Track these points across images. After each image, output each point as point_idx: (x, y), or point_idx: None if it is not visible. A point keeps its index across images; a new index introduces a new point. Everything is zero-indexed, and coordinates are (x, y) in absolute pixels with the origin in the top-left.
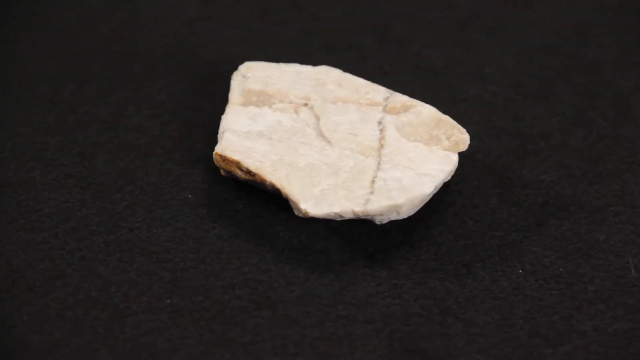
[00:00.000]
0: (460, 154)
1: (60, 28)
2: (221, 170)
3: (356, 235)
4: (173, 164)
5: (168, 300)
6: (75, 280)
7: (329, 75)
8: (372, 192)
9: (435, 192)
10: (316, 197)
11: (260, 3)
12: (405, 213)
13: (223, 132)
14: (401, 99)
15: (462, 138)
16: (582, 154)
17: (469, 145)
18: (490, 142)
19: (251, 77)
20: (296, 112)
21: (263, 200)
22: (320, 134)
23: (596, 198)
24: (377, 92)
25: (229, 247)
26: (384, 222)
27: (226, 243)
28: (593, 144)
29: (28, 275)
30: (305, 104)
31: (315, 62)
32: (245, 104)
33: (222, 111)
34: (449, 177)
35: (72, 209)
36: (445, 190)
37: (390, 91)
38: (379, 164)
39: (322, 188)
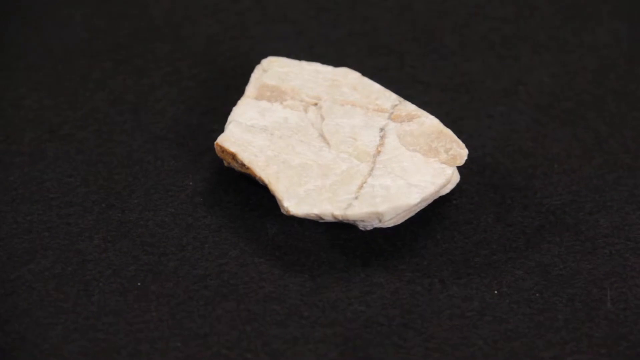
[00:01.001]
0: (468, 170)
1: (110, 4)
2: (224, 161)
3: (342, 240)
4: (183, 151)
5: (139, 284)
6: (54, 254)
7: (347, 78)
8: (356, 197)
9: (424, 204)
10: (300, 197)
11: (316, 1)
12: (390, 222)
13: (229, 123)
14: (408, 108)
15: (460, 153)
16: (592, 182)
17: (480, 161)
18: (503, 161)
19: (270, 72)
20: (305, 110)
21: (260, 194)
22: (322, 135)
23: (594, 227)
24: (387, 99)
25: (214, 237)
26: (368, 228)
27: (212, 233)
28: (605, 174)
29: (11, 243)
30: (315, 104)
31: (353, 63)
32: (258, 98)
33: None
34: (447, 191)
35: (72, 184)
36: (443, 204)
37: (401, 99)
38: (371, 170)
39: (308, 188)
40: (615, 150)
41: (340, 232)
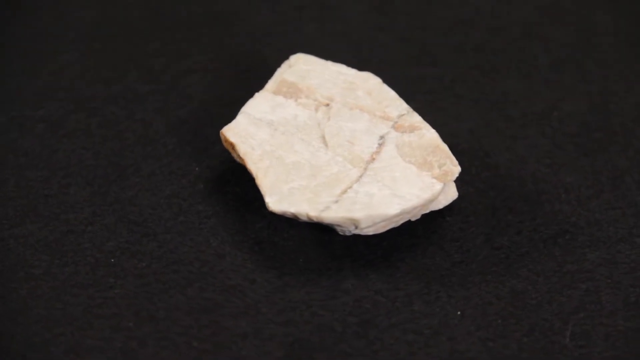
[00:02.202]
0: (474, 188)
1: None
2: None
3: (325, 242)
4: (200, 136)
5: (112, 260)
6: (42, 221)
7: (366, 82)
8: (336, 201)
9: (408, 216)
10: (282, 194)
11: (373, 4)
12: (369, 229)
13: (239, 114)
14: (413, 119)
15: (452, 169)
16: (593, 216)
17: (488, 181)
18: (511, 183)
19: (293, 68)
20: (316, 110)
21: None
22: (323, 135)
23: (579, 261)
24: (396, 108)
25: (201, 224)
26: (346, 233)
27: (201, 220)
28: (609, 209)
29: (5, 206)
30: (327, 104)
31: (396, 70)
32: (275, 93)
33: None
34: (440, 206)
35: (83, 156)
36: (436, 219)
37: (410, 109)
38: (361, 176)
39: (292, 186)
40: (627, 187)
41: (325, 234)
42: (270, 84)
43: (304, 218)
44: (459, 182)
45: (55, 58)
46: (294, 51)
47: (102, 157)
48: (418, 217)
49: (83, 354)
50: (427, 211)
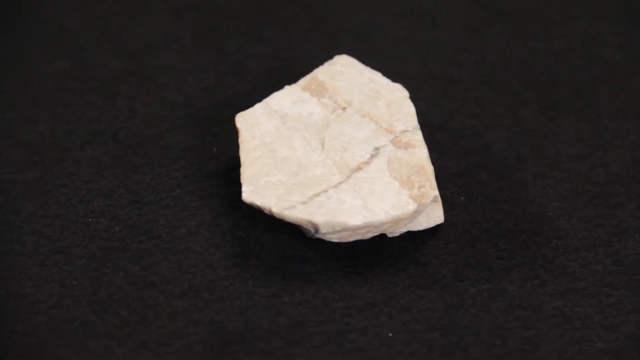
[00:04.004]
0: (469, 218)
1: None
2: None
3: (296, 243)
4: (221, 126)
5: (90, 219)
6: (34, 201)
7: (392, 94)
8: (304, 202)
9: (377, 231)
10: (257, 186)
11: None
12: (332, 236)
13: (260, 103)
14: (413, 137)
15: (428, 192)
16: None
17: (486, 214)
18: (507, 225)
19: (329, 67)
20: (333, 111)
21: None
22: (324, 137)
23: (551, 301)
24: (404, 123)
25: (190, 203)
26: (313, 236)
27: (192, 199)
28: (595, 264)
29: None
30: (344, 108)
31: (430, 85)
32: (304, 89)
33: None
34: (420, 227)
35: (91, 142)
36: (414, 240)
37: (416, 127)
38: (340, 182)
39: (270, 180)
40: (632, 232)
41: (303, 236)
42: (303, 80)
43: (268, 212)
44: (461, 208)
45: (86, 36)
46: (359, 53)
47: (110, 143)
48: (395, 234)
49: (16, 299)
50: (404, 230)
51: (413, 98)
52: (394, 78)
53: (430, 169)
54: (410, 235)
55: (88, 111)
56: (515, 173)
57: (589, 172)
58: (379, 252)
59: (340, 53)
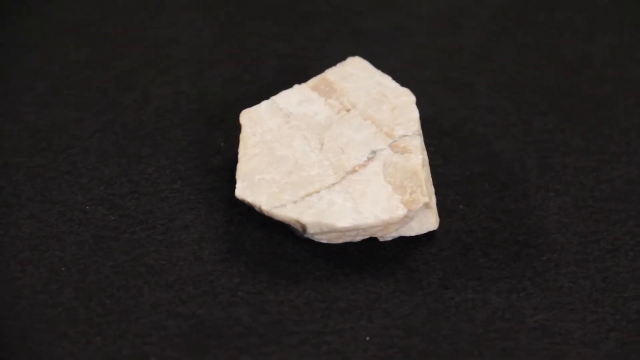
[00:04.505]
0: (466, 229)
1: None
2: None
3: (285, 242)
4: (231, 122)
5: (88, 207)
6: (35, 186)
7: (398, 98)
8: (295, 202)
9: (365, 234)
10: (251, 183)
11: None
12: (320, 237)
13: (267, 100)
14: (411, 143)
15: (418, 198)
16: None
17: (486, 230)
18: (502, 233)
19: (340, 68)
20: (337, 112)
21: None
22: (324, 138)
23: (534, 314)
24: (405, 128)
25: (189, 196)
26: (302, 236)
27: (191, 193)
28: (585, 280)
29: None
30: (348, 110)
31: (459, 102)
32: (313, 88)
33: None
34: (412, 233)
35: (100, 131)
36: (407, 245)
37: (416, 133)
38: (334, 184)
39: (264, 178)
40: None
41: (294, 236)
42: (313, 79)
43: (257, 209)
44: (458, 216)
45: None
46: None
47: (117, 129)
48: (387, 238)
49: (3, 282)
50: (396, 235)
51: (426, 103)
52: (411, 82)
53: (422, 175)
54: (402, 241)
55: (101, 100)
56: (518, 183)
57: (593, 186)
58: (369, 256)
59: (361, 55)
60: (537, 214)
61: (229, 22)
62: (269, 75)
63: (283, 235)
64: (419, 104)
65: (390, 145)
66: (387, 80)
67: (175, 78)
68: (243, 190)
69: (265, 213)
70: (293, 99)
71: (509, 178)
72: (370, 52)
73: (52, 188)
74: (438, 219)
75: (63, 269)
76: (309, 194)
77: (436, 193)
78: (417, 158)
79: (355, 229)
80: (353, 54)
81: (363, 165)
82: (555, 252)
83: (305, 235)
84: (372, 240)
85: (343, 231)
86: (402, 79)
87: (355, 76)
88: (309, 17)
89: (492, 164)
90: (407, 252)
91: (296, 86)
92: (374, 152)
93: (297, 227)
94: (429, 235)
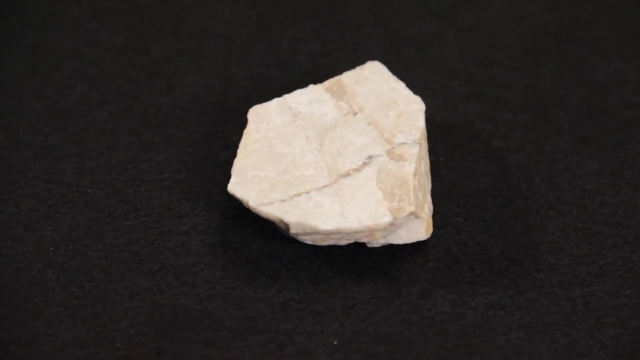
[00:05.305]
0: (455, 241)
1: None
2: None
3: (272, 240)
4: (239, 117)
5: (89, 190)
6: (42, 166)
7: (407, 106)
8: (283, 201)
9: (351, 238)
10: (244, 179)
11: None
12: (304, 237)
13: (279, 98)
14: (406, 150)
15: (404, 207)
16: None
17: (471, 239)
18: (493, 249)
19: (356, 72)
20: (345, 115)
21: None
22: (324, 139)
23: (507, 332)
24: (406, 136)
25: (193, 188)
26: (288, 235)
27: (193, 184)
28: (565, 301)
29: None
30: (355, 113)
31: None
32: (327, 89)
33: None
34: (399, 241)
35: (118, 116)
36: (395, 254)
37: (416, 142)
38: (325, 186)
39: (257, 175)
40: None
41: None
42: (329, 81)
43: (245, 205)
44: (453, 228)
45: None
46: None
47: (122, 123)
48: (374, 245)
49: None
50: (385, 242)
51: (447, 113)
52: (436, 91)
53: (412, 183)
54: (391, 248)
55: (127, 86)
56: (521, 201)
57: (595, 209)
58: (354, 261)
59: (392, 60)
60: (532, 233)
61: (268, 18)
62: (297, 74)
63: (273, 234)
64: (438, 114)
65: (387, 152)
66: (400, 87)
67: (203, 70)
68: (235, 185)
69: (252, 210)
70: (304, 99)
71: (513, 194)
72: (402, 58)
73: (59, 169)
74: (430, 230)
75: (51, 249)
76: (299, 194)
77: (438, 204)
78: (410, 167)
79: (338, 232)
80: (384, 59)
81: (357, 170)
82: (542, 272)
83: (291, 235)
84: (360, 246)
85: (326, 234)
86: (427, 88)
87: (370, 80)
88: (347, 18)
89: (500, 179)
90: (393, 261)
91: (311, 86)
92: (370, 157)
93: (282, 225)
94: (419, 245)
